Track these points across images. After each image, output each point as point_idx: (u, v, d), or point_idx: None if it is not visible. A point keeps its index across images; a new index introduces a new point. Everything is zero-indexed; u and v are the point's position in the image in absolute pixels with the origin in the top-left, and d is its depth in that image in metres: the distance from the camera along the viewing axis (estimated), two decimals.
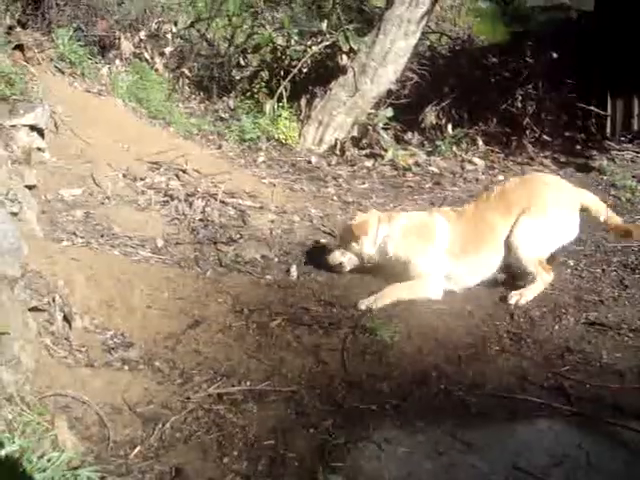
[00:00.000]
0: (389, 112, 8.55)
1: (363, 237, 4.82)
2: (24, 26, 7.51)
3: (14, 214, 4.24)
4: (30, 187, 4.92)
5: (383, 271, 4.87)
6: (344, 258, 4.94)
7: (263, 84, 8.87)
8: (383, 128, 8.42)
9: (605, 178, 7.97)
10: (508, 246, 4.67)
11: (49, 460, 2.48)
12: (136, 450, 2.96)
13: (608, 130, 9.80)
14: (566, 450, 3.02)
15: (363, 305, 4.43)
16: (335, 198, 6.89)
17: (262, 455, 2.98)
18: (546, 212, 4.68)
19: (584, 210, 4.82)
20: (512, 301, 4.55)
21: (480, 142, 8.85)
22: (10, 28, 6.94)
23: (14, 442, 2.47)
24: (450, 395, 3.50)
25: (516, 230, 4.64)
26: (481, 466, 2.92)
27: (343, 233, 5.04)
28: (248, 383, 3.52)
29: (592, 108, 9.47)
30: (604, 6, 9.97)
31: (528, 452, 3.01)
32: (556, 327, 4.28)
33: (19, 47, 6.58)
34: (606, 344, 4.08)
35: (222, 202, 5.84)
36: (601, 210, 4.85)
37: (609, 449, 3.07)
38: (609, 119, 9.80)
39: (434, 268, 4.68)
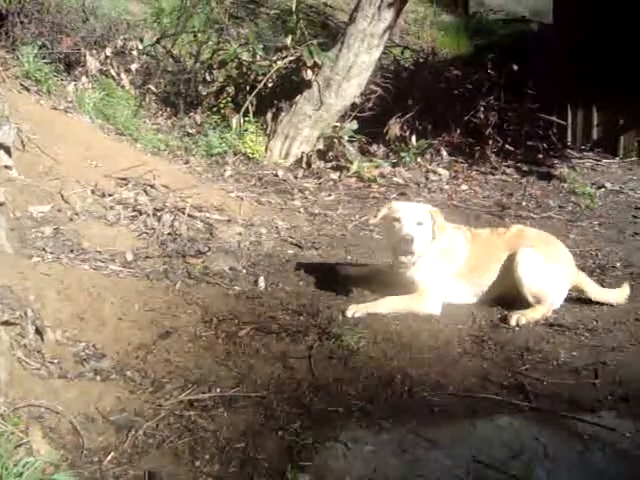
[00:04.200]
0: (354, 125, 8.69)
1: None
2: None
3: None
4: None
5: (378, 277, 4.98)
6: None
7: (229, 99, 8.96)
8: (348, 141, 8.54)
9: (566, 185, 8.24)
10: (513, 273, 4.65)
11: (24, 466, 2.55)
12: (110, 456, 3.03)
13: (569, 139, 10.08)
14: (524, 443, 3.16)
15: (350, 312, 4.49)
16: (302, 210, 7.00)
17: (233, 457, 3.07)
18: (556, 257, 4.74)
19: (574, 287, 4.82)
20: (512, 322, 4.48)
21: (444, 153, 9.01)
22: None
23: None
24: (414, 396, 3.61)
25: (522, 260, 4.62)
26: (444, 461, 3.03)
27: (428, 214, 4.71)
28: (218, 390, 3.60)
29: (553, 118, 9.72)
30: (562, 19, 10.25)
31: (489, 446, 3.14)
32: (516, 329, 4.42)
33: None
34: (564, 344, 4.25)
35: (190, 216, 5.90)
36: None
37: (565, 441, 3.20)
38: (569, 129, 10.08)
39: (439, 287, 4.70)
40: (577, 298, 4.85)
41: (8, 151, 5.56)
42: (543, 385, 3.73)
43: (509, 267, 4.67)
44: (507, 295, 4.70)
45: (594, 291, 4.81)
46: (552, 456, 3.06)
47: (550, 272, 4.65)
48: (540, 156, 9.30)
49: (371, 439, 3.19)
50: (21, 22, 8.03)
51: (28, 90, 7.17)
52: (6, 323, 3.54)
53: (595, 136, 9.98)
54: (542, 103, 9.56)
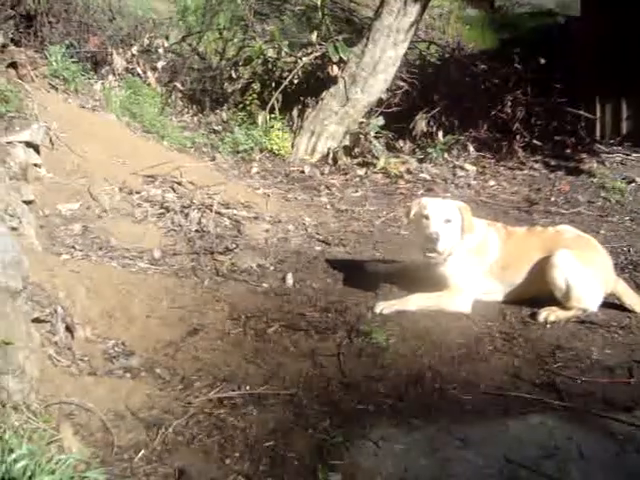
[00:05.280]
0: (380, 121, 8.65)
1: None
2: (17, 44, 7.60)
3: (14, 229, 4.32)
4: (28, 202, 5.00)
5: (407, 273, 4.96)
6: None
7: (255, 96, 8.96)
8: (375, 137, 8.51)
9: (595, 180, 8.11)
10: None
11: (57, 463, 2.56)
12: (140, 454, 3.03)
13: (598, 133, 9.93)
14: (558, 443, 3.10)
15: (378, 309, 4.47)
16: (328, 207, 6.99)
17: (263, 455, 3.06)
18: (593, 261, 4.58)
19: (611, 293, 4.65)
20: (540, 318, 4.46)
21: (471, 148, 8.95)
22: (3, 46, 7.03)
23: (22, 447, 2.54)
24: (445, 394, 3.59)
25: (557, 262, 4.50)
26: (475, 460, 2.99)
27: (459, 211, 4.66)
28: (247, 387, 3.59)
29: (581, 112, 9.59)
30: (590, 11, 10.11)
31: (521, 446, 3.09)
32: (547, 326, 4.38)
33: (13, 65, 6.68)
34: (596, 341, 4.19)
35: (217, 213, 5.92)
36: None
37: (599, 441, 3.15)
38: (598, 123, 9.93)
39: (471, 285, 4.65)
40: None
41: (37, 149, 5.61)
42: (576, 383, 3.68)
43: (543, 268, 4.56)
44: (540, 296, 4.60)
45: (631, 300, 4.59)
46: (586, 456, 3.00)
47: (586, 277, 4.49)
48: (568, 151, 9.17)
49: (402, 438, 3.16)
50: (49, 22, 8.11)
51: (56, 89, 7.21)
52: (37, 320, 3.56)
53: (624, 130, 9.81)
54: (570, 97, 9.44)
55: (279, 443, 3.14)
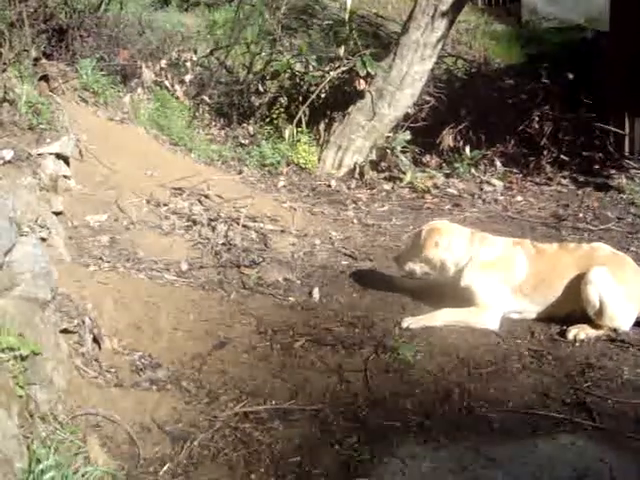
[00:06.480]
0: (407, 135, 8.62)
1: (442, 250, 4.75)
2: (49, 57, 7.68)
3: (43, 240, 4.35)
4: (57, 213, 5.05)
5: (435, 289, 4.93)
6: (416, 267, 4.88)
7: (282, 110, 8.97)
8: (401, 151, 8.48)
9: (624, 197, 8.00)
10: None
11: (83, 475, 2.56)
12: (165, 467, 3.04)
13: (626, 149, 9.80)
14: (589, 464, 3.05)
15: (405, 324, 4.46)
16: (355, 221, 6.97)
17: (288, 471, 3.04)
18: (628, 280, 4.50)
19: None
20: (570, 336, 4.40)
21: (498, 163, 8.88)
22: (36, 60, 7.10)
23: (49, 458, 2.55)
24: (473, 412, 3.55)
25: (593, 280, 4.43)
26: None
27: (419, 239, 4.87)
28: (273, 402, 3.59)
29: (610, 127, 9.49)
30: (619, 26, 10.03)
31: (551, 466, 3.04)
32: (577, 344, 4.31)
33: (44, 78, 6.76)
34: (627, 361, 4.11)
35: (244, 226, 5.92)
36: None
37: (632, 463, 3.09)
38: (627, 138, 9.81)
39: (498, 301, 4.62)
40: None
41: (67, 161, 5.65)
42: (607, 403, 3.62)
43: (578, 285, 4.49)
44: (573, 314, 4.53)
45: None
46: (618, 478, 2.95)
47: (620, 295, 4.42)
48: (597, 166, 9.07)
49: (429, 456, 3.13)
50: (80, 36, 8.18)
51: (86, 102, 7.28)
52: (65, 331, 3.58)
53: None
54: (598, 112, 9.36)
55: (305, 459, 3.12)
